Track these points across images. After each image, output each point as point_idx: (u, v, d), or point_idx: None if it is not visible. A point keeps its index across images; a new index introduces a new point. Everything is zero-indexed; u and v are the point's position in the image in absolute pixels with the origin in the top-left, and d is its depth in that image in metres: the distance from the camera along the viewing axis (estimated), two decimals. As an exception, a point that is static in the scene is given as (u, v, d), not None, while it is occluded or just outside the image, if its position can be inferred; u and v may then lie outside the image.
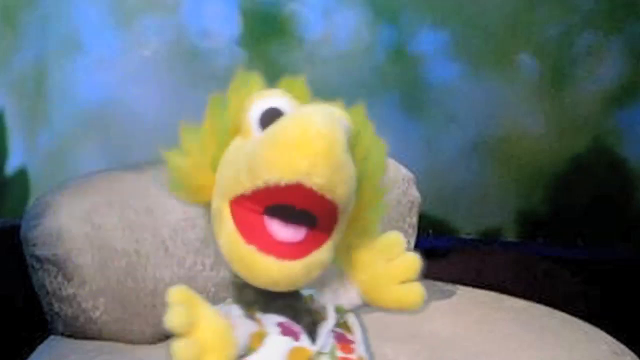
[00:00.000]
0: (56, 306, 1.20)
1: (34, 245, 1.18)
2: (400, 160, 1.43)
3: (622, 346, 1.22)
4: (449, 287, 1.42)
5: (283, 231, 0.66)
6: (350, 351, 0.72)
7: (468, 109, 1.74)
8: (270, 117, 0.66)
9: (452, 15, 1.73)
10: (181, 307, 0.60)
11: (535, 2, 1.72)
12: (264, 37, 1.70)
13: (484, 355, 1.16)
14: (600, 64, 1.71)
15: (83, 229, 1.17)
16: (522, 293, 1.40)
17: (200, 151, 0.71)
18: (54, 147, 1.72)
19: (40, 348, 1.20)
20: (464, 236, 1.78)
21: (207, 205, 0.72)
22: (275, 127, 0.64)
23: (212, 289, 1.20)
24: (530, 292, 1.42)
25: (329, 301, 0.73)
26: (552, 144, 1.73)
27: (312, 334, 0.70)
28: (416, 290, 0.75)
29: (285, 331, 0.69)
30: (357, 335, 0.74)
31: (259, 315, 0.69)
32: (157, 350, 1.15)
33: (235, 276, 0.71)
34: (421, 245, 1.44)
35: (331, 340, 0.71)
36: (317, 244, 0.67)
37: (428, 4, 1.73)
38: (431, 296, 1.39)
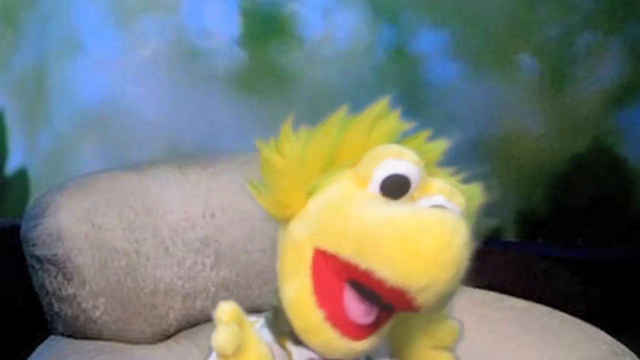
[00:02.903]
0: (56, 306, 1.20)
1: (34, 245, 1.18)
2: (400, 160, 1.43)
3: (622, 346, 1.22)
4: (449, 287, 1.42)
5: (357, 310, 0.61)
6: None
7: (468, 109, 1.74)
8: (396, 185, 0.62)
9: (452, 15, 1.73)
10: (233, 327, 0.57)
11: (535, 2, 1.72)
12: (264, 37, 1.70)
13: (484, 355, 1.16)
14: (600, 64, 1.71)
15: (83, 229, 1.17)
16: (522, 293, 1.39)
17: (301, 161, 0.64)
18: (54, 147, 1.72)
19: (40, 348, 1.20)
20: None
21: (283, 220, 0.66)
22: (405, 217, 0.58)
23: (212, 289, 1.20)
24: (530, 292, 1.42)
25: None
26: (552, 144, 1.73)
27: None
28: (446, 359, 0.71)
29: None
30: None
31: (290, 346, 0.66)
32: (157, 350, 1.15)
33: (277, 301, 0.67)
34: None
35: None
36: (384, 322, 0.64)
37: (428, 4, 1.73)
38: (431, 296, 1.40)
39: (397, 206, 0.61)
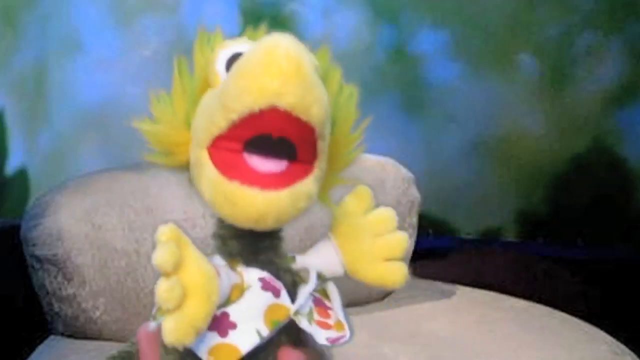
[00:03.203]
0: (56, 306, 1.20)
1: (34, 245, 1.18)
2: (400, 160, 1.43)
3: (622, 346, 1.22)
4: (449, 287, 1.42)
5: (264, 164, 0.64)
6: (328, 316, 0.72)
7: (468, 109, 1.74)
8: (234, 60, 0.65)
9: (452, 15, 1.73)
10: (171, 244, 0.59)
11: (535, 2, 1.72)
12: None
13: (484, 355, 1.16)
14: (600, 64, 1.71)
15: (83, 229, 1.17)
16: (522, 293, 1.40)
17: (172, 114, 0.71)
18: (54, 147, 1.72)
19: (40, 348, 1.20)
20: (464, 236, 1.78)
21: (186, 168, 0.71)
22: (241, 59, 0.63)
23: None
24: (530, 292, 1.42)
25: (312, 266, 0.72)
26: (552, 144, 1.73)
27: (292, 295, 0.69)
28: (399, 270, 0.73)
29: (266, 286, 0.68)
30: (335, 302, 0.73)
31: (240, 268, 0.68)
32: (157, 350, 1.15)
33: (219, 227, 0.70)
34: (421, 245, 1.45)
35: (309, 303, 0.70)
36: (300, 175, 0.66)
37: (428, 4, 1.73)
38: (431, 296, 1.40)
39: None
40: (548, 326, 1.26)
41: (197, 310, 0.60)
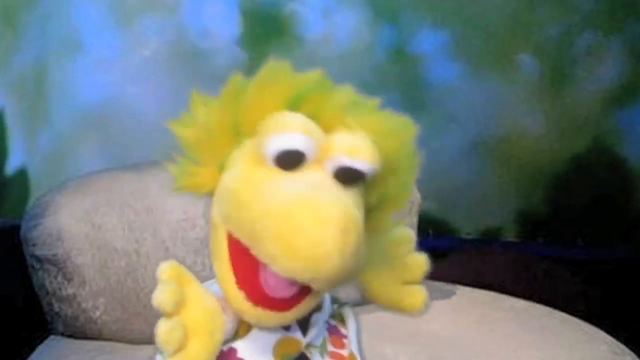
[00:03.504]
0: (56, 306, 1.20)
1: (34, 245, 1.18)
2: (400, 160, 1.43)
3: (622, 346, 1.22)
4: (449, 287, 1.42)
5: (275, 288, 0.61)
6: (342, 346, 0.69)
7: (468, 109, 1.74)
8: (288, 158, 0.60)
9: (452, 15, 1.73)
10: (171, 284, 0.57)
11: (535, 2, 1.72)
12: (264, 37, 1.70)
13: (484, 355, 1.16)
14: (600, 64, 1.71)
15: (83, 229, 1.17)
16: (522, 293, 1.39)
17: (208, 137, 0.64)
18: (54, 147, 1.72)
19: (40, 348, 1.20)
20: (464, 236, 1.78)
21: (209, 195, 0.66)
22: (283, 210, 0.57)
23: (212, 289, 1.20)
24: (530, 292, 1.42)
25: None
26: (552, 144, 1.73)
27: (304, 324, 0.67)
28: (419, 294, 0.71)
29: None
30: (350, 330, 0.70)
31: None
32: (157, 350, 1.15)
33: None
34: (421, 245, 1.44)
35: (324, 333, 0.68)
36: (309, 292, 0.63)
37: (428, 4, 1.73)
38: (431, 296, 1.40)
39: (284, 193, 0.59)
40: (548, 326, 1.26)
41: (200, 350, 0.58)
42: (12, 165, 1.71)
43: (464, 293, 1.40)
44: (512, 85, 1.73)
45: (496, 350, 1.18)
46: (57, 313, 1.20)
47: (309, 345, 0.66)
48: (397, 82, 1.73)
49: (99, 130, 1.70)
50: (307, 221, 0.56)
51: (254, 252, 0.59)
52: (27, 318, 1.31)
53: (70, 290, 1.18)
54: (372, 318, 1.29)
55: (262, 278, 0.61)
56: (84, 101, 1.71)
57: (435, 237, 1.76)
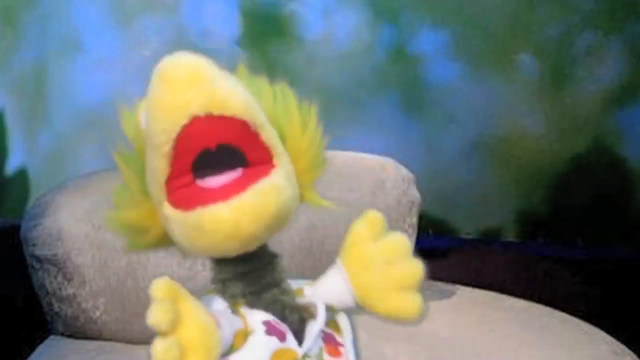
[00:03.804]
0: (56, 306, 1.20)
1: (34, 245, 1.18)
2: (400, 160, 1.43)
3: (622, 346, 1.22)
4: (449, 287, 1.42)
5: (218, 180, 0.62)
6: (339, 354, 0.68)
7: (468, 109, 1.74)
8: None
9: (452, 15, 1.73)
10: (166, 303, 0.57)
11: (535, 2, 1.72)
12: (264, 37, 1.70)
13: (484, 355, 1.16)
14: (600, 64, 1.71)
15: (83, 229, 1.17)
16: (522, 293, 1.40)
17: (131, 196, 0.70)
18: (54, 147, 1.72)
19: (40, 348, 1.20)
20: (464, 236, 1.78)
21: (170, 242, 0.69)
22: (146, 99, 0.63)
23: (212, 289, 1.20)
24: (530, 292, 1.42)
25: (321, 298, 0.68)
26: (552, 144, 1.73)
27: (300, 333, 0.66)
28: (414, 301, 0.68)
29: (271, 330, 0.65)
30: (346, 338, 0.69)
31: (243, 310, 0.65)
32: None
33: (218, 271, 0.68)
34: (421, 245, 1.44)
35: (319, 342, 0.67)
36: (260, 174, 0.63)
37: (428, 4, 1.73)
38: (431, 296, 1.40)
39: None
40: (548, 326, 1.26)
41: None
42: (12, 165, 1.71)
43: (464, 293, 1.40)
44: (512, 85, 1.73)
45: (496, 350, 1.18)
46: (57, 313, 1.20)
47: (305, 356, 0.66)
48: (397, 82, 1.73)
49: (99, 130, 1.70)
50: (156, 77, 0.63)
51: (165, 147, 0.62)
52: (27, 318, 1.31)
53: (70, 290, 1.18)
54: (372, 318, 1.29)
55: (201, 184, 0.62)
56: (84, 101, 1.71)
57: (435, 237, 1.76)
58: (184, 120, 0.60)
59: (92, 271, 1.17)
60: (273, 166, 0.63)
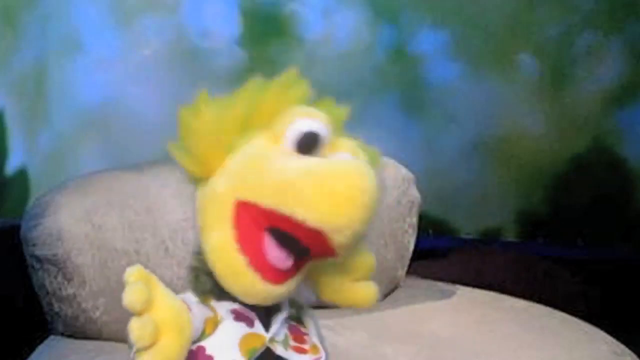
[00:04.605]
0: (56, 306, 1.20)
1: (34, 245, 1.18)
2: (400, 160, 1.43)
3: (622, 346, 1.22)
4: (449, 287, 1.42)
5: (277, 256, 0.66)
6: (304, 341, 0.73)
7: (468, 109, 1.74)
8: (308, 141, 0.67)
9: (452, 15, 1.73)
10: (139, 284, 0.61)
11: (535, 2, 1.72)
12: (264, 37, 1.70)
13: (484, 355, 1.16)
14: (600, 64, 1.71)
15: (83, 229, 1.17)
16: (522, 293, 1.40)
17: (219, 123, 0.69)
18: (54, 147, 1.72)
19: (40, 348, 1.20)
20: (464, 236, 1.78)
21: (199, 180, 0.70)
22: (321, 165, 0.65)
23: (212, 289, 1.20)
24: (530, 292, 1.42)
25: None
26: (552, 144, 1.73)
27: (266, 325, 0.71)
28: (369, 289, 0.74)
29: (239, 317, 0.69)
30: (310, 329, 0.75)
31: (213, 303, 0.70)
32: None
33: (196, 260, 0.71)
34: (421, 245, 1.45)
35: (285, 330, 0.72)
36: (301, 268, 0.69)
37: (428, 4, 1.73)
38: (431, 296, 1.40)
39: (311, 159, 0.66)
40: (548, 326, 1.26)
41: (171, 344, 0.62)
42: (12, 165, 1.71)
43: (464, 293, 1.40)
44: (512, 85, 1.73)
45: (496, 350, 1.18)
46: (57, 313, 1.20)
47: (272, 340, 0.70)
48: (397, 82, 1.73)
49: (99, 130, 1.70)
50: (349, 171, 0.64)
51: (278, 207, 0.64)
52: (27, 318, 1.31)
53: (70, 290, 1.18)
54: (372, 318, 1.29)
55: (266, 245, 0.66)
56: (84, 101, 1.71)
57: (435, 237, 1.76)
58: (317, 226, 0.63)
59: (92, 271, 1.17)
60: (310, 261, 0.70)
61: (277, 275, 0.67)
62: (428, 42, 1.73)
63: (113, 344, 1.17)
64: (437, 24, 1.73)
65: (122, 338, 1.20)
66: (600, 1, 1.71)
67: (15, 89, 1.70)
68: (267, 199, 0.65)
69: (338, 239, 0.64)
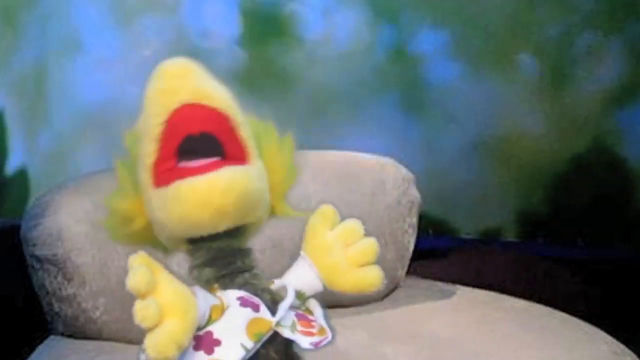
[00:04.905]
0: (56, 306, 1.20)
1: (34, 245, 1.18)
2: (400, 160, 1.43)
3: (622, 346, 1.22)
4: (449, 287, 1.42)
5: (197, 162, 0.69)
6: (311, 326, 0.74)
7: (468, 109, 1.74)
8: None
9: (452, 15, 1.73)
10: (143, 267, 0.62)
11: (535, 2, 1.72)
12: (264, 37, 1.70)
13: (484, 355, 1.16)
14: (600, 64, 1.71)
15: (83, 229, 1.17)
16: (522, 293, 1.40)
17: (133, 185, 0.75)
18: (54, 147, 1.72)
19: (40, 348, 1.20)
20: (464, 236, 1.78)
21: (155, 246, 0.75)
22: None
23: (212, 289, 1.20)
24: (530, 292, 1.42)
25: (291, 285, 0.75)
26: (552, 144, 1.73)
27: (272, 311, 0.72)
28: (374, 273, 0.76)
29: (245, 303, 0.70)
30: (317, 315, 0.76)
31: (219, 293, 0.71)
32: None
33: (193, 258, 0.73)
34: (421, 245, 1.45)
35: (292, 316, 0.73)
36: (235, 162, 0.70)
37: (428, 4, 1.73)
38: (431, 296, 1.40)
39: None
40: (548, 326, 1.26)
41: (176, 325, 0.63)
42: (12, 165, 1.71)
43: (464, 293, 1.40)
44: (512, 85, 1.73)
45: (496, 350, 1.18)
46: (57, 313, 1.20)
47: (279, 325, 0.71)
48: (397, 82, 1.73)
49: (99, 130, 1.70)
50: (155, 75, 0.73)
51: (152, 133, 0.71)
52: (27, 318, 1.31)
53: (70, 290, 1.18)
54: (372, 318, 1.29)
55: (182, 164, 0.69)
56: (84, 101, 1.71)
57: (435, 237, 1.76)
58: (174, 105, 0.68)
59: (92, 271, 1.17)
60: (247, 162, 0.71)
61: (210, 166, 0.68)
62: (428, 42, 1.73)
63: (113, 344, 1.17)
64: (437, 24, 1.73)
65: (122, 338, 1.20)
66: (600, 1, 1.71)
67: (15, 89, 1.70)
68: (147, 147, 0.70)
69: (189, 87, 0.69)
